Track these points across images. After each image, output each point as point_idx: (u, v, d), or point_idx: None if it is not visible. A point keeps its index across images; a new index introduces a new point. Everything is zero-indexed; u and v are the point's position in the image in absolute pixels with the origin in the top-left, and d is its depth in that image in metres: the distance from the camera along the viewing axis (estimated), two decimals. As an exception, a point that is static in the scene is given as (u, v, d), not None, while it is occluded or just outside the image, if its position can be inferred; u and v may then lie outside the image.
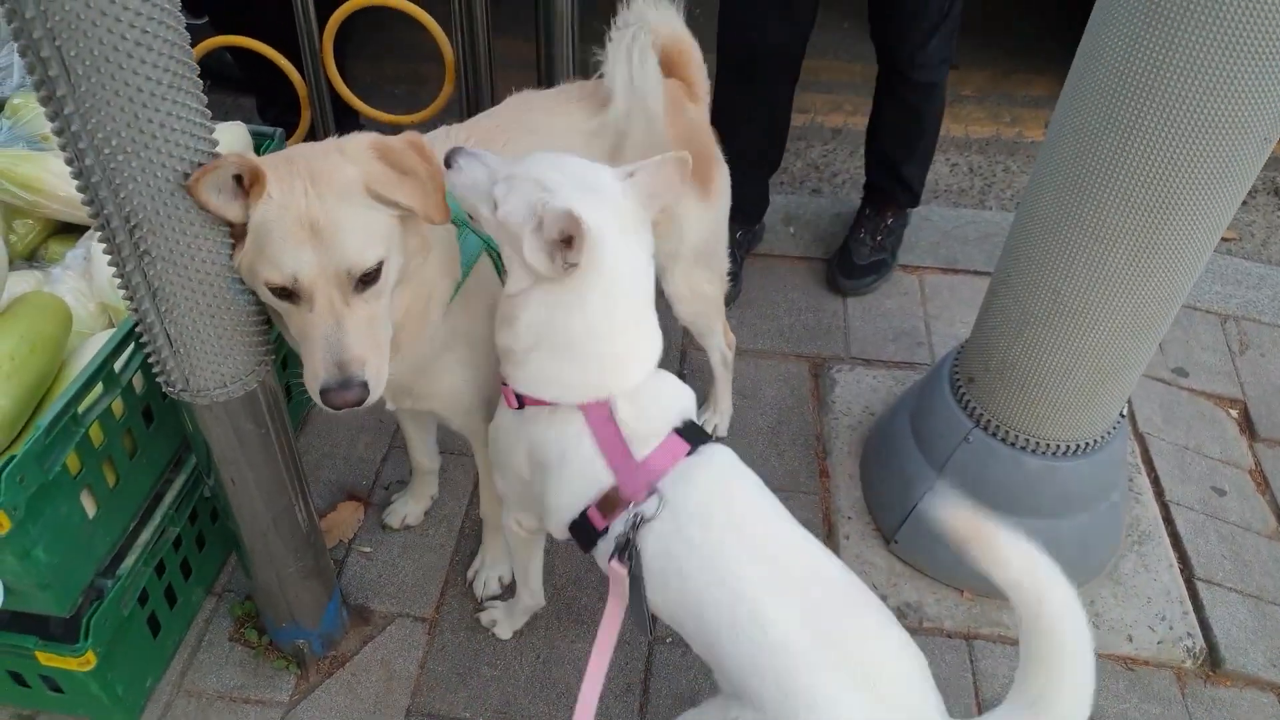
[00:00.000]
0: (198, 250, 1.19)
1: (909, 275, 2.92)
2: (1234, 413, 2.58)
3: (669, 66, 1.88)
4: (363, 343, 1.28)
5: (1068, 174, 1.58)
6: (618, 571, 1.33)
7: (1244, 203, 3.43)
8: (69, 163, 1.10)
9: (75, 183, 1.12)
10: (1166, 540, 2.20)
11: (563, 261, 1.26)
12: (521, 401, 1.40)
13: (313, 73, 2.59)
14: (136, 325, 1.26)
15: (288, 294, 1.26)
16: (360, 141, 1.31)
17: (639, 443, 1.34)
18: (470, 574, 2.04)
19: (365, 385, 1.27)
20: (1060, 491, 1.95)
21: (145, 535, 1.68)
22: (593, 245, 1.24)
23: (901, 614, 2.04)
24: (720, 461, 1.37)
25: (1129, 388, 1.85)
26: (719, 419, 2.40)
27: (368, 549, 2.09)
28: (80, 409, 1.45)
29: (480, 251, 1.56)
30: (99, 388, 1.50)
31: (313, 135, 2.76)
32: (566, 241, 1.24)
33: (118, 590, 1.60)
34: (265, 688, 1.85)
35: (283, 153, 1.30)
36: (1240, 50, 1.31)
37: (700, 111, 1.96)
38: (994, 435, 1.94)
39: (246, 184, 1.20)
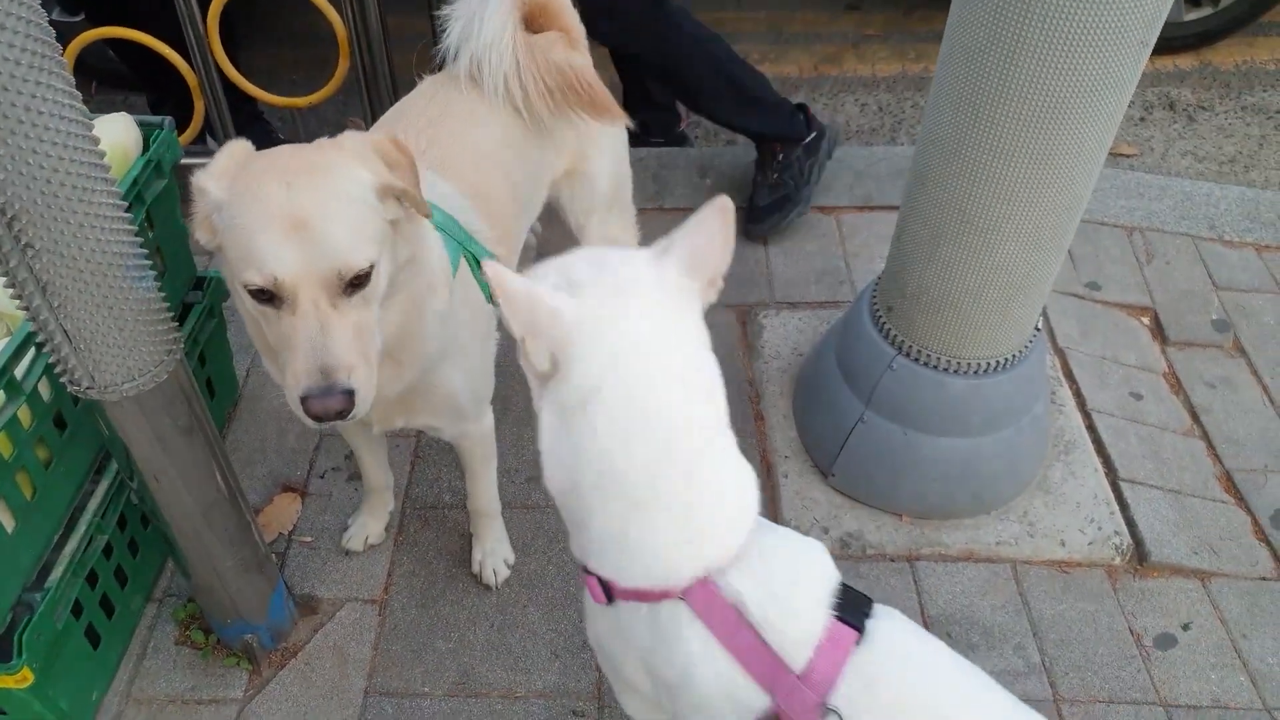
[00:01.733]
0: (85, 240, 1.15)
1: (826, 216, 2.95)
2: (1145, 320, 2.67)
3: (539, 20, 1.85)
4: (350, 349, 1.18)
5: (961, 94, 1.61)
6: None
7: (1141, 119, 3.57)
8: (-66, 157, 1.05)
9: (-56, 179, 1.07)
10: (1091, 447, 2.28)
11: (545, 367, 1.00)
12: (608, 591, 1.08)
13: (201, 61, 2.51)
14: (31, 324, 1.22)
15: (268, 297, 1.17)
16: (360, 140, 1.28)
17: (789, 644, 1.02)
18: (475, 567, 1.99)
19: (351, 394, 1.17)
20: (985, 409, 2.00)
21: (71, 545, 1.63)
22: (569, 337, 0.97)
23: (845, 544, 2.09)
24: (902, 644, 1.06)
25: (1040, 301, 1.90)
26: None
27: (309, 538, 2.07)
28: (-16, 420, 1.40)
29: (459, 255, 1.53)
30: (0, 397, 1.45)
31: (208, 126, 2.68)
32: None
33: (48, 603, 1.55)
34: (217, 686, 1.82)
35: (266, 154, 1.24)
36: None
37: (583, 57, 1.90)
38: (916, 360, 1.98)
39: None
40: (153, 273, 1.28)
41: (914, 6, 4.16)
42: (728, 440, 1.06)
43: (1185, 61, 3.84)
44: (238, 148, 1.26)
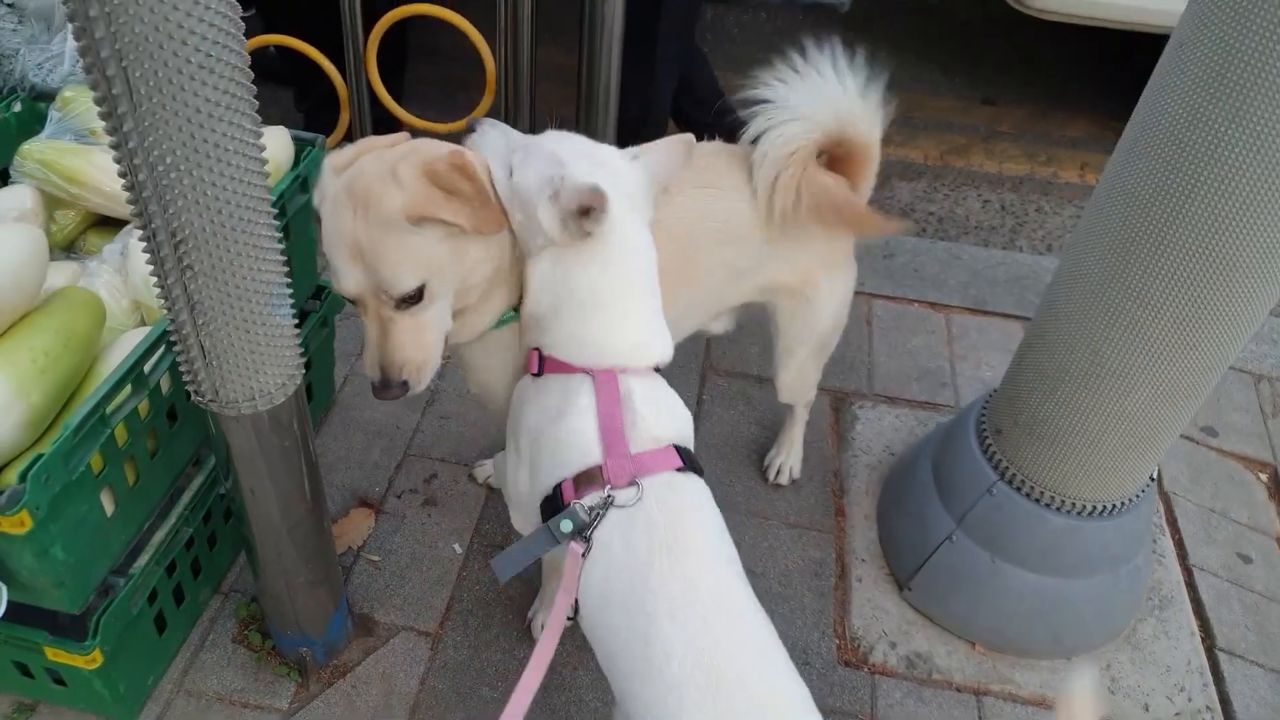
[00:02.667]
0: (239, 267, 1.17)
1: (936, 313, 2.89)
2: (1263, 476, 2.55)
3: (831, 161, 1.80)
4: (405, 349, 1.40)
5: (1116, 236, 1.56)
6: (574, 552, 1.28)
7: None
8: (122, 175, 1.08)
9: (126, 194, 1.11)
10: (1189, 606, 2.17)
11: (577, 229, 1.35)
12: (542, 367, 1.44)
13: (354, 75, 2.58)
14: (171, 335, 1.25)
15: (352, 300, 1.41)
16: (412, 167, 1.33)
17: (637, 441, 1.34)
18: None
19: (405, 384, 1.41)
20: (1083, 552, 1.92)
21: (160, 534, 1.67)
22: (609, 217, 1.35)
23: (910, 664, 2.02)
24: (698, 488, 1.36)
25: (1162, 453, 1.82)
26: (791, 461, 2.34)
27: (376, 557, 2.08)
28: (108, 409, 1.44)
29: None
30: (127, 389, 1.49)
31: (349, 137, 2.76)
32: (584, 212, 1.33)
33: (129, 589, 1.58)
34: (265, 693, 1.83)
35: (353, 168, 1.37)
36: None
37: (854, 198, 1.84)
38: (1018, 490, 1.92)
39: None
40: (291, 301, 1.30)
41: (1051, 108, 4.09)
42: (658, 304, 1.47)
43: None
44: (364, 144, 1.44)
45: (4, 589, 1.39)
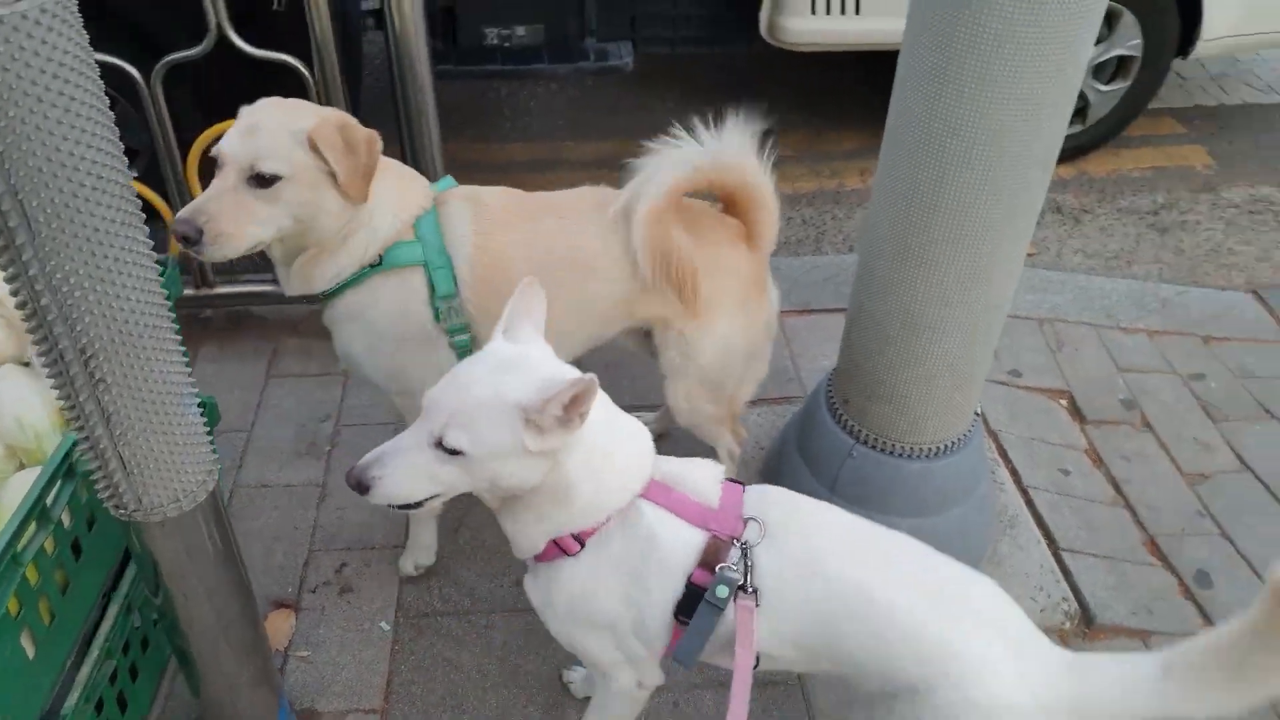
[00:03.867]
0: (149, 373, 1.25)
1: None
2: (1063, 402, 2.94)
3: (728, 204, 2.04)
4: (225, 215, 1.64)
5: (898, 216, 1.85)
6: (746, 607, 1.36)
7: (1036, 222, 3.95)
8: (21, 305, 1.15)
9: (26, 322, 1.17)
10: (1031, 520, 2.49)
11: (573, 421, 1.31)
12: (580, 540, 1.44)
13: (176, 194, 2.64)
14: (85, 452, 1.30)
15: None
16: (336, 116, 1.73)
17: (701, 494, 1.46)
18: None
19: (200, 235, 1.64)
20: (938, 489, 2.19)
21: (85, 670, 1.65)
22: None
23: (819, 625, 2.22)
24: (774, 488, 1.52)
25: (979, 388, 2.12)
26: None
27: (305, 652, 2.10)
28: (19, 548, 1.45)
29: (410, 263, 1.85)
30: (32, 526, 1.50)
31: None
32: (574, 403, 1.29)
33: (67, 731, 1.57)
34: (223, 809, 1.82)
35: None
36: (1010, 102, 1.61)
37: (739, 256, 2.05)
38: (873, 447, 2.17)
39: None
40: (197, 399, 1.38)
41: (824, 129, 4.55)
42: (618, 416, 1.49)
43: (1066, 171, 4.28)
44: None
45: None
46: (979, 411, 2.23)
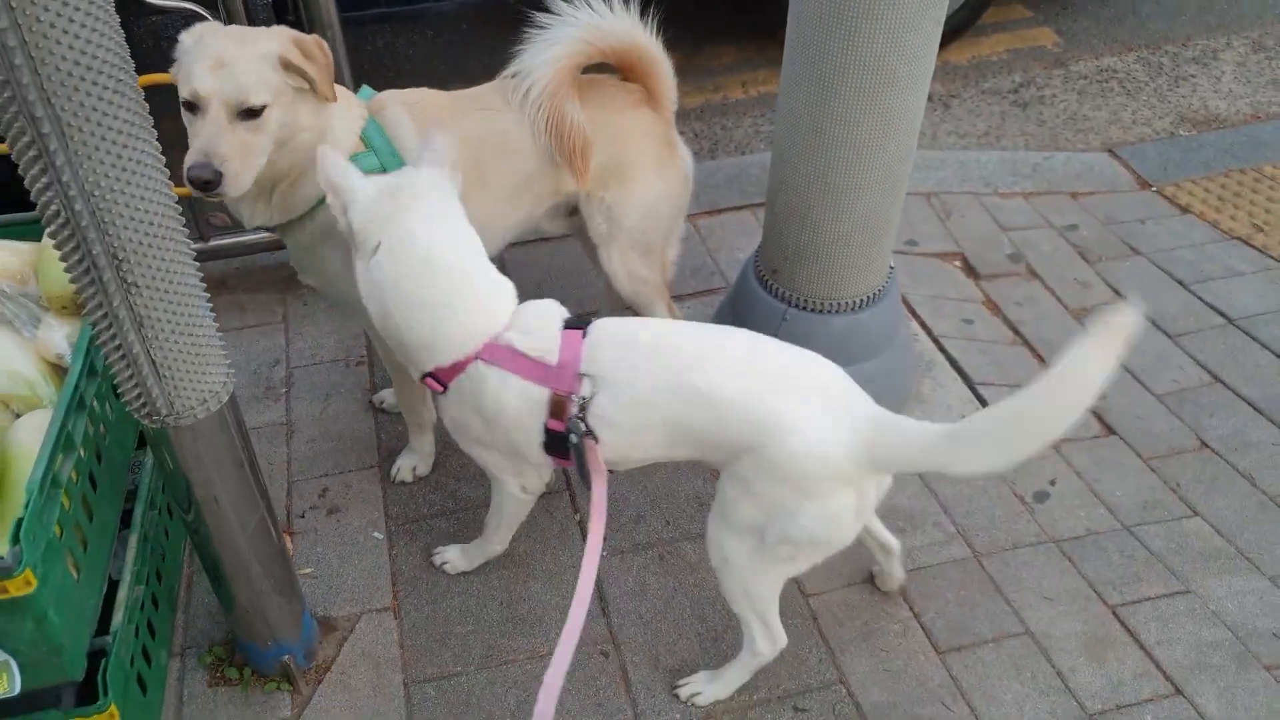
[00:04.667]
0: (175, 275, 1.34)
1: (685, 223, 3.35)
2: (958, 263, 3.23)
3: (626, 72, 2.19)
4: (233, 152, 1.69)
5: (811, 82, 2.04)
6: (590, 446, 1.65)
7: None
8: (53, 217, 1.22)
9: (57, 233, 1.24)
10: (946, 363, 2.77)
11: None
12: (440, 380, 1.72)
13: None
14: (118, 361, 1.38)
15: (191, 108, 1.72)
16: (285, 33, 1.79)
17: (545, 353, 1.67)
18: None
19: (220, 177, 1.68)
20: (866, 338, 2.43)
21: (122, 593, 1.73)
22: (348, 186, 1.65)
23: (777, 475, 2.45)
24: (615, 324, 1.72)
25: (891, 241, 2.36)
26: None
27: (309, 569, 2.20)
28: (56, 470, 1.52)
29: (370, 171, 1.87)
30: (60, 455, 1.56)
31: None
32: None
33: (117, 645, 1.65)
34: (264, 713, 1.93)
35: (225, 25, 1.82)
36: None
37: (644, 118, 2.24)
38: (804, 309, 2.39)
39: None
40: (210, 304, 1.47)
41: (701, 45, 4.71)
42: (486, 264, 1.71)
43: (930, 62, 4.58)
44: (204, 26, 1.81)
45: (13, 661, 1.44)
46: (892, 265, 2.47)
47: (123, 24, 1.19)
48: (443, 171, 1.72)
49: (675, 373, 1.63)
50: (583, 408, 1.64)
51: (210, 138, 1.68)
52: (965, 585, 2.21)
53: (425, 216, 1.66)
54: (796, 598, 2.17)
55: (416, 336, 1.68)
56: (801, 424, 1.57)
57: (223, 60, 1.68)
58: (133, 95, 1.21)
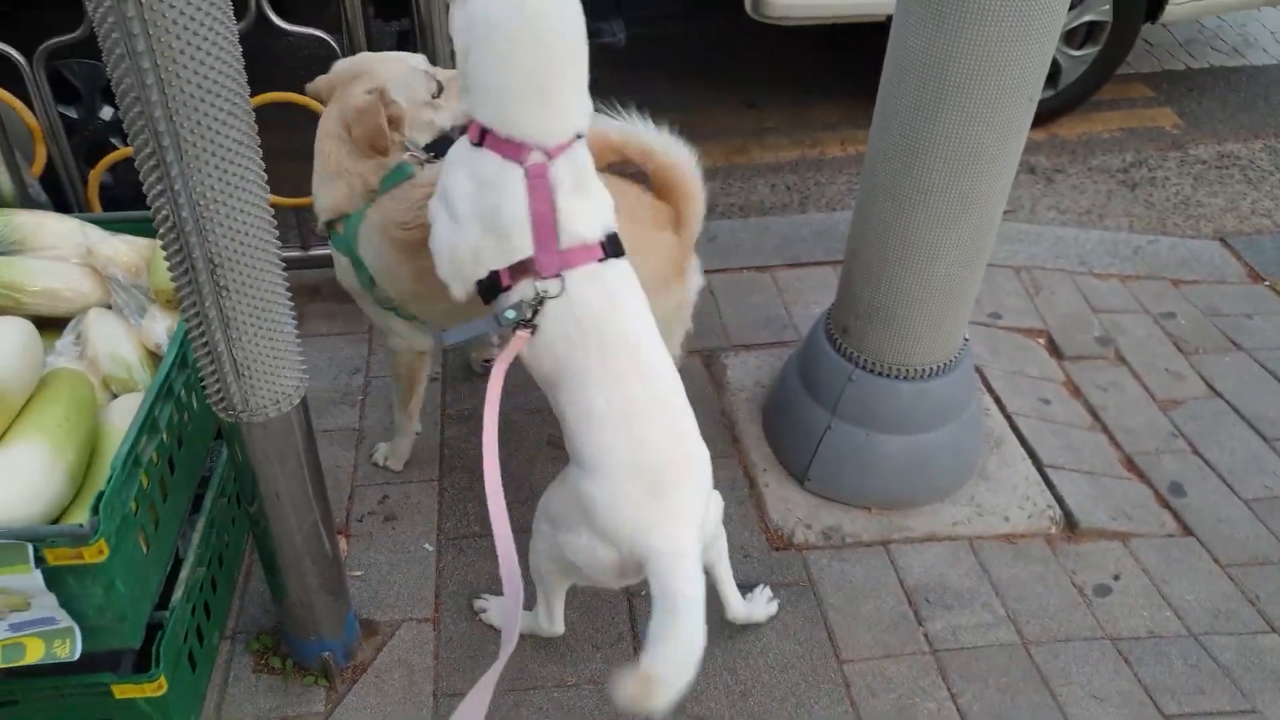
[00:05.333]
0: (263, 281, 1.44)
1: (763, 274, 3.39)
2: (1041, 341, 3.17)
3: (659, 190, 2.12)
4: None
5: (898, 146, 2.06)
6: (520, 336, 1.64)
7: (1013, 183, 4.19)
8: (162, 221, 1.34)
9: (164, 237, 1.36)
10: (1016, 441, 2.72)
11: None
12: (483, 137, 1.64)
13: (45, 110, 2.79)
14: (203, 357, 1.49)
15: None
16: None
17: (566, 234, 1.62)
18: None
19: None
20: (932, 407, 2.41)
21: (184, 573, 1.84)
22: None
23: (827, 536, 2.44)
24: (619, 275, 1.70)
25: (968, 312, 2.34)
26: None
27: (359, 572, 2.29)
28: (139, 451, 1.63)
29: (402, 178, 2.03)
30: (144, 437, 1.68)
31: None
32: None
33: (173, 621, 1.75)
34: (300, 704, 2.01)
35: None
36: (1004, 36, 1.83)
37: (666, 242, 2.12)
38: (872, 371, 2.39)
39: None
40: (292, 310, 1.57)
41: (805, 101, 4.76)
42: (583, 84, 1.65)
43: (1038, 135, 4.51)
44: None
45: (77, 629, 1.55)
46: (967, 337, 2.45)
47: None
48: None
49: (593, 352, 1.64)
50: (537, 302, 1.62)
51: None
52: (1009, 672, 2.15)
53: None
54: (830, 662, 2.16)
55: (482, 74, 1.60)
56: (617, 490, 1.63)
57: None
58: (244, 116, 1.31)
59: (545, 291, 1.63)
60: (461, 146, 1.70)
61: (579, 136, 1.66)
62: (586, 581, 1.83)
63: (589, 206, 1.67)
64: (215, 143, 1.28)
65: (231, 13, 1.24)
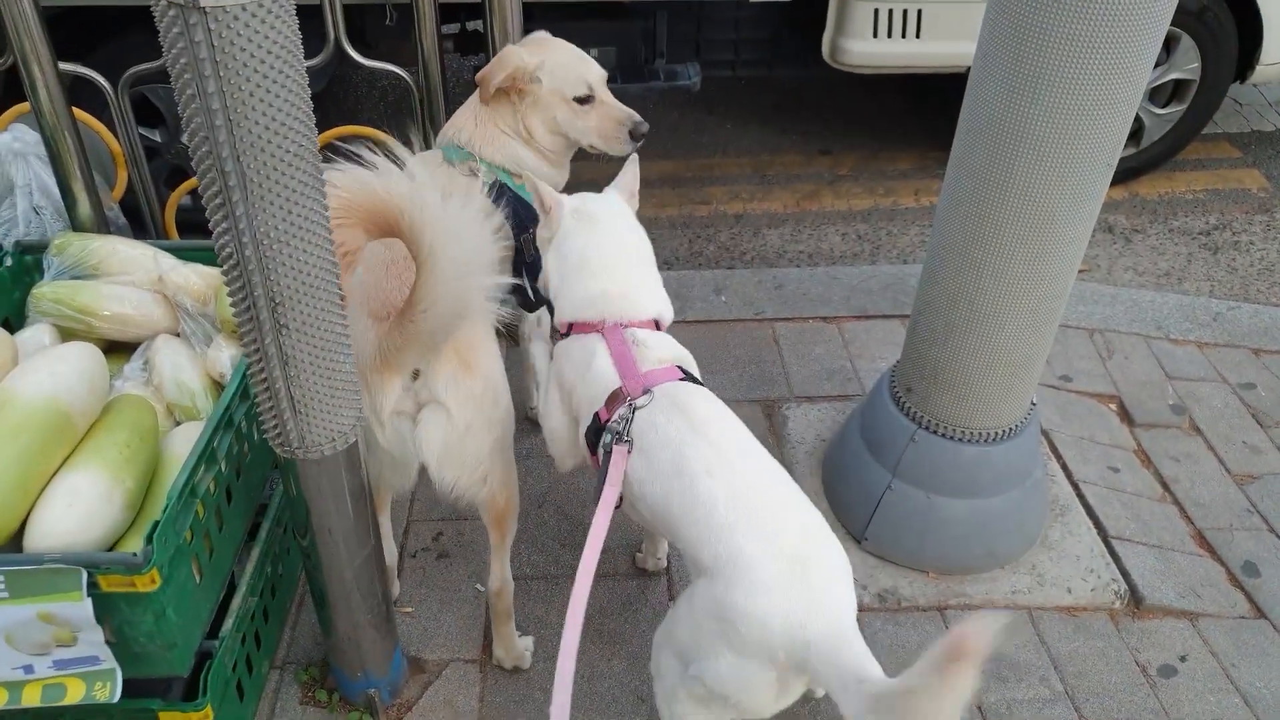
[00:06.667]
0: (323, 321, 1.46)
1: (829, 325, 3.35)
2: (1113, 406, 3.07)
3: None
4: None
5: (968, 206, 2.03)
6: (619, 450, 1.68)
7: (1089, 243, 4.08)
8: (226, 258, 1.37)
9: (228, 273, 1.39)
10: (1082, 510, 2.62)
11: (551, 217, 1.99)
12: (568, 330, 1.92)
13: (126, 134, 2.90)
14: (261, 392, 1.51)
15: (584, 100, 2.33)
16: None
17: (645, 363, 1.80)
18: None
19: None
20: (995, 473, 2.34)
21: (236, 602, 1.86)
22: (548, 196, 1.98)
23: (882, 598, 2.37)
24: (702, 389, 1.80)
25: (1036, 377, 2.28)
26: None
27: (410, 609, 2.30)
28: (196, 482, 1.67)
29: (456, 156, 2.29)
30: (202, 467, 1.72)
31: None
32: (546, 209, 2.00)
33: (222, 650, 1.77)
34: (342, 738, 2.02)
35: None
36: (1080, 102, 1.79)
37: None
38: (934, 432, 2.33)
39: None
40: (349, 350, 1.59)
41: (879, 149, 4.73)
42: (654, 271, 1.99)
43: (1117, 193, 4.41)
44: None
45: (118, 670, 1.57)
46: (1034, 402, 2.38)
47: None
48: (624, 195, 2.08)
49: (693, 451, 1.63)
50: (629, 410, 1.71)
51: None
52: (1066, 753, 2.06)
53: (621, 215, 2.03)
54: None
55: (571, 290, 1.92)
56: (757, 581, 1.47)
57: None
58: (310, 159, 1.34)
59: (635, 404, 1.72)
60: (557, 348, 1.99)
61: (657, 325, 1.92)
62: (733, 715, 1.59)
63: (664, 344, 1.89)
64: (280, 183, 1.31)
65: (301, 55, 1.27)
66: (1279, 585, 2.45)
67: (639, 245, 2.00)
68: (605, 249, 1.94)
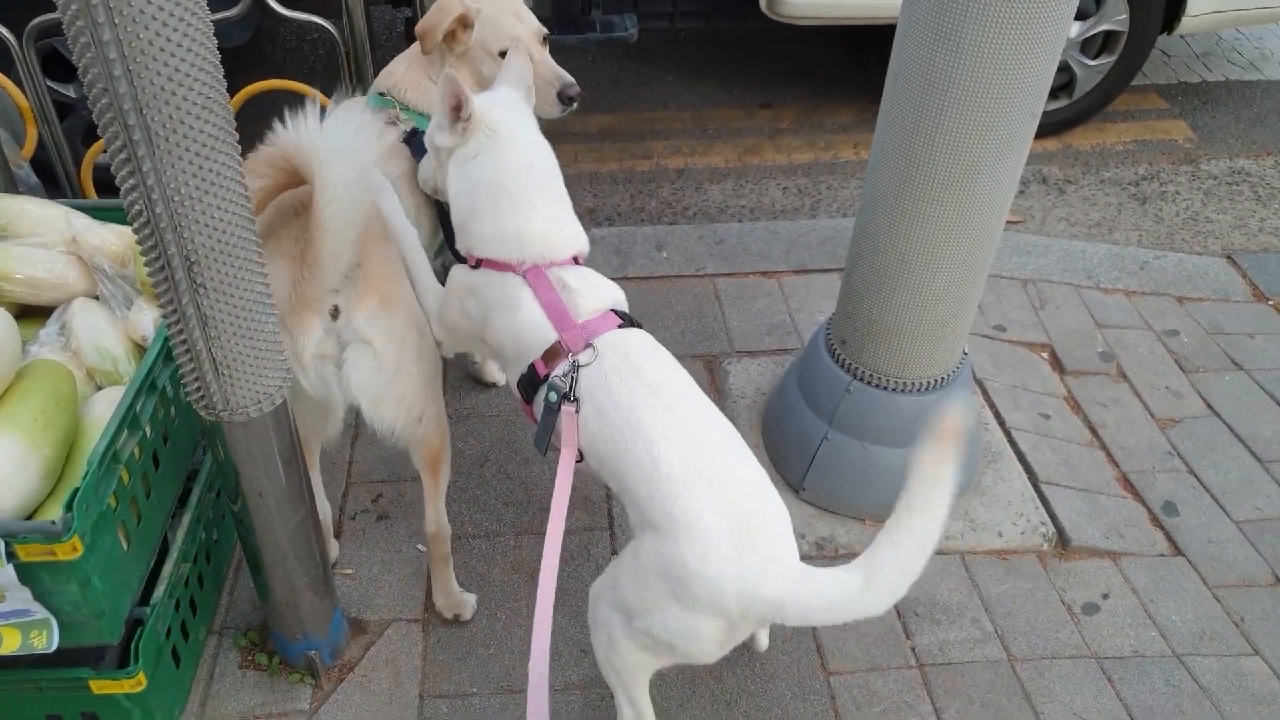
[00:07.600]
0: (241, 280, 1.42)
1: (769, 280, 3.36)
2: (1044, 355, 3.14)
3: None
4: None
5: (897, 160, 2.04)
6: (568, 413, 1.65)
7: (1022, 192, 4.17)
8: (136, 215, 1.33)
9: (138, 232, 1.35)
10: (1013, 456, 2.69)
11: (459, 125, 1.75)
12: (478, 263, 1.79)
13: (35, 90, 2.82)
14: (182, 354, 1.48)
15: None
16: None
17: (578, 310, 1.71)
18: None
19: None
20: (928, 422, 2.38)
21: (168, 569, 1.83)
22: (472, 103, 1.74)
23: (820, 546, 2.42)
24: (642, 336, 1.74)
25: (967, 326, 2.31)
26: None
27: (350, 571, 2.28)
28: (118, 447, 1.63)
29: (378, 104, 2.24)
30: (125, 432, 1.68)
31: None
32: (457, 109, 1.74)
33: (154, 617, 1.75)
34: (285, 701, 2.01)
35: None
36: (1003, 52, 1.80)
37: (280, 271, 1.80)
38: (869, 383, 2.36)
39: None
40: (273, 310, 1.55)
41: (819, 103, 4.73)
42: (566, 200, 1.84)
43: (1051, 144, 4.47)
44: None
45: (53, 620, 1.54)
46: (966, 352, 2.42)
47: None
48: (521, 92, 1.89)
49: (643, 409, 1.60)
50: (573, 369, 1.65)
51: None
52: (994, 689, 2.13)
53: (526, 124, 1.86)
54: (817, 673, 2.14)
55: (488, 224, 1.77)
56: (706, 540, 1.49)
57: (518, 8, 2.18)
58: (220, 111, 1.30)
59: (578, 361, 1.65)
60: (459, 271, 1.85)
61: (576, 260, 1.80)
62: (678, 661, 1.65)
63: (594, 286, 1.77)
64: (189, 136, 1.26)
65: (204, 1, 1.23)
66: (1196, 524, 2.55)
67: (549, 163, 1.83)
68: (518, 174, 1.77)
